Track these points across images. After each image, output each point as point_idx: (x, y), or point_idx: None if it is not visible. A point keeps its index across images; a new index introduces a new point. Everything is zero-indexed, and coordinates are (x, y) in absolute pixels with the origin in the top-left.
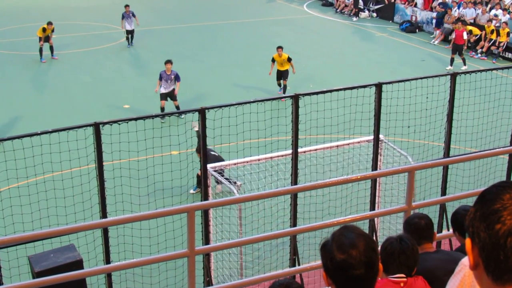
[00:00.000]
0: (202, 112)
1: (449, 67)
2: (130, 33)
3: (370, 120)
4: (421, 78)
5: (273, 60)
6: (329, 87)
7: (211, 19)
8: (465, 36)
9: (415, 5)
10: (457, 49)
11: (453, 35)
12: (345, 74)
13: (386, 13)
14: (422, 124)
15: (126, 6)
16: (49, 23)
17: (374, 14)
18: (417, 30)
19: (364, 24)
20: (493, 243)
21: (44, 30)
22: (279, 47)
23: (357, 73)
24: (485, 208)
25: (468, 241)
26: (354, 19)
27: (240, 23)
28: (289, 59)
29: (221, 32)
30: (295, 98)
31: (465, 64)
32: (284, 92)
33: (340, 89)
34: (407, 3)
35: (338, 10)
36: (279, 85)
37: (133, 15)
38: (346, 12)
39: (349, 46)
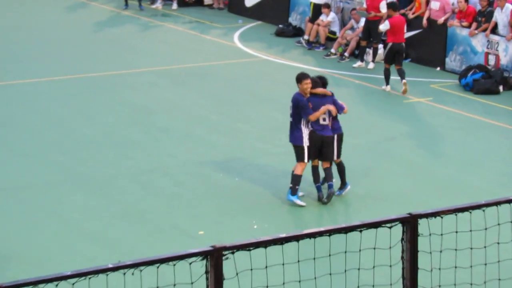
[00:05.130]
0: None
1: (384, 87)
2: None
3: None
4: (509, 202)
5: None
6: (306, 229)
7: (59, 72)
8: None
9: (493, 31)
10: (395, 53)
11: (387, 26)
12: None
13: (427, 53)
14: None
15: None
16: None
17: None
18: (501, 88)
19: (376, 77)
20: None
21: None
22: None
23: (364, 190)
24: None
25: None
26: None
27: (114, 76)
28: None
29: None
30: (214, 254)
31: (403, 79)
32: None
33: (325, 232)
34: (473, 26)
35: (310, 45)
36: None
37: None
38: (333, 51)
39: (347, 128)
